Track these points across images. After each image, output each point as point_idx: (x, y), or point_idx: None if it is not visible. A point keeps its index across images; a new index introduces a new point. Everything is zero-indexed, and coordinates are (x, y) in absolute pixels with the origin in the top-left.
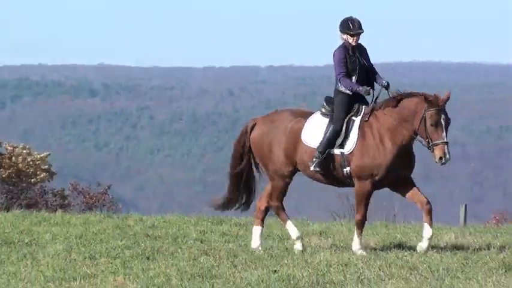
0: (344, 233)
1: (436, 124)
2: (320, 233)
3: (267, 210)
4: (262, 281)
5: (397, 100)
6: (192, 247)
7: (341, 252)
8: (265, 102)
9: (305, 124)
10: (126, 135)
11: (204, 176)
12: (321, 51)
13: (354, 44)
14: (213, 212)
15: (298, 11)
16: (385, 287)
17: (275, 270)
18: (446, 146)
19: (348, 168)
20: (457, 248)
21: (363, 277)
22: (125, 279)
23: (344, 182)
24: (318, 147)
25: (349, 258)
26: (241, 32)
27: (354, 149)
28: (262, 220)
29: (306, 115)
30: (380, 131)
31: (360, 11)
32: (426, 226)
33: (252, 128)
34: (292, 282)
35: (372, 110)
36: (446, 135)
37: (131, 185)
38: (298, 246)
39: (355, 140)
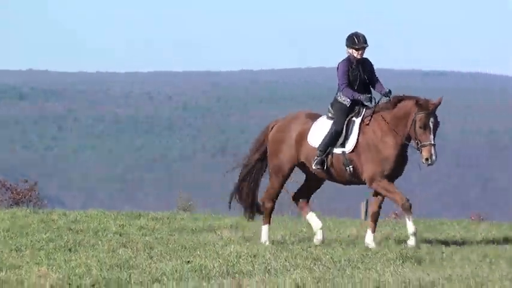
0: (253, 226)
1: (425, 127)
2: (231, 226)
3: (272, 208)
4: (176, 271)
5: (394, 103)
6: (111, 240)
7: (250, 244)
8: (182, 105)
9: (312, 126)
10: (53, 136)
11: (124, 173)
12: (238, 57)
13: (358, 57)
14: (132, 208)
15: (213, 16)
16: (290, 277)
17: (188, 261)
18: (433, 148)
19: (351, 167)
20: (358, 240)
21: (270, 267)
22: (48, 269)
23: (349, 180)
24: (318, 147)
25: (257, 250)
26: (159, 39)
27: (354, 149)
28: (270, 217)
29: (316, 117)
30: (378, 132)
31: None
32: (408, 223)
33: (273, 127)
34: (204, 272)
35: (373, 112)
36: (433, 138)
37: (57, 182)
38: (319, 236)
39: (355, 139)
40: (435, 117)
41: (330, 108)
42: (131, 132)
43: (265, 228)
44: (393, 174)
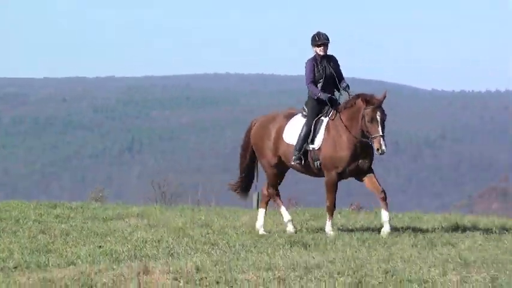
0: (157, 214)
1: (372, 120)
2: (137, 215)
3: (269, 195)
4: (89, 255)
5: (352, 102)
6: (31, 227)
7: (155, 231)
8: (92, 108)
9: (287, 124)
10: None
11: (42, 168)
12: (143, 62)
13: (321, 53)
14: (49, 198)
15: (125, 27)
16: (191, 260)
17: (100, 246)
18: (382, 139)
19: (318, 162)
20: (251, 227)
21: (173, 251)
22: None
23: (317, 173)
24: (295, 146)
25: (161, 236)
26: (72, 47)
27: (321, 145)
28: (267, 203)
29: (292, 116)
30: (339, 129)
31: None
32: (383, 211)
33: (254, 124)
34: (114, 255)
35: (336, 111)
36: (382, 130)
37: None
38: (289, 228)
39: (322, 137)
40: (382, 111)
41: (305, 107)
42: (48, 132)
43: (261, 212)
44: (351, 171)
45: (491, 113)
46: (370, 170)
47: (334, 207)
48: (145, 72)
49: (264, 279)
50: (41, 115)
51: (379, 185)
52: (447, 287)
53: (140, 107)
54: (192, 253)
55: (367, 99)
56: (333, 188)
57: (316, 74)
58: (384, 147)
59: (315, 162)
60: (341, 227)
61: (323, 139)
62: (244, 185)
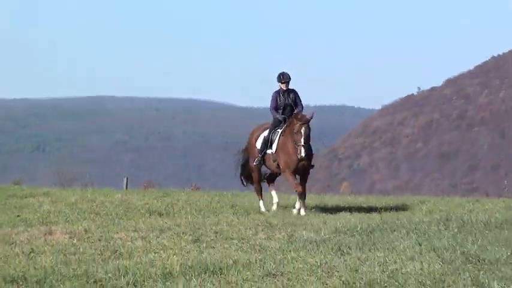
0: (57, 194)
1: (297, 132)
2: (44, 194)
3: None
4: (10, 221)
5: (292, 119)
6: None
7: (56, 205)
8: (14, 119)
9: (261, 134)
10: None
11: None
12: (47, 84)
13: (284, 88)
14: None
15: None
16: (81, 224)
17: (18, 215)
18: (302, 147)
19: (276, 162)
20: (122, 201)
21: (69, 219)
22: None
23: (277, 170)
24: (258, 150)
25: (60, 208)
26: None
27: (276, 150)
28: (260, 193)
29: (266, 128)
30: (287, 138)
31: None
32: (297, 203)
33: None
34: (27, 222)
35: (286, 126)
36: (304, 140)
37: None
38: (274, 207)
39: (276, 144)
40: (306, 126)
41: (271, 123)
42: None
43: (261, 202)
44: (298, 169)
45: None
46: (307, 174)
47: (302, 192)
48: (46, 94)
49: (131, 237)
50: None
51: (302, 184)
52: (258, 242)
53: (46, 119)
54: (82, 220)
55: (298, 117)
56: (291, 178)
57: (278, 103)
58: (302, 154)
59: (274, 162)
60: (187, 202)
61: (277, 146)
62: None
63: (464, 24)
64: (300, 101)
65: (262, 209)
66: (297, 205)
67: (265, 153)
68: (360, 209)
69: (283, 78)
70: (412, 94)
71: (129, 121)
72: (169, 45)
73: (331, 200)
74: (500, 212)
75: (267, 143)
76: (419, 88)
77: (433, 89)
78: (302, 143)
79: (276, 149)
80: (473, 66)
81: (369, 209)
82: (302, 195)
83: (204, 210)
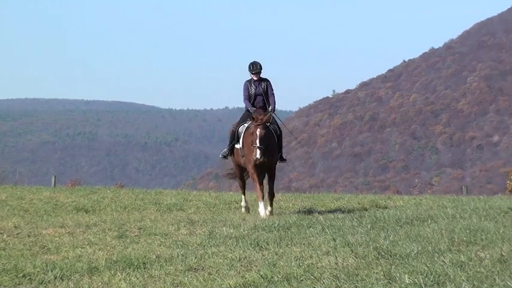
0: None
1: (253, 134)
2: None
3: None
4: None
5: (251, 117)
6: None
7: None
8: None
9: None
10: None
11: None
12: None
13: (255, 78)
14: None
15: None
16: (11, 220)
17: None
18: (257, 149)
19: (243, 158)
20: (50, 198)
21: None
22: None
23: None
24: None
25: None
26: None
27: (241, 145)
28: (243, 189)
29: None
30: (248, 138)
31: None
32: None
33: None
34: None
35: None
36: (259, 142)
37: None
38: (243, 210)
39: (242, 140)
40: (262, 127)
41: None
42: None
43: (243, 197)
44: (263, 166)
45: (208, 125)
46: (273, 170)
47: (262, 192)
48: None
49: (59, 233)
50: None
51: (269, 187)
52: (180, 238)
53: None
54: (12, 216)
55: (253, 117)
56: (253, 176)
57: (249, 92)
58: (257, 156)
59: (242, 158)
60: (114, 198)
61: (242, 141)
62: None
63: (378, 30)
64: (272, 91)
65: (243, 204)
66: (268, 207)
67: (233, 146)
68: (277, 206)
69: (253, 68)
70: (328, 97)
71: (56, 122)
72: (94, 49)
73: (250, 196)
74: (411, 208)
75: (235, 136)
76: (334, 91)
77: (347, 91)
78: (257, 145)
79: (242, 144)
80: (386, 70)
81: (286, 206)
82: (270, 195)
83: (128, 207)
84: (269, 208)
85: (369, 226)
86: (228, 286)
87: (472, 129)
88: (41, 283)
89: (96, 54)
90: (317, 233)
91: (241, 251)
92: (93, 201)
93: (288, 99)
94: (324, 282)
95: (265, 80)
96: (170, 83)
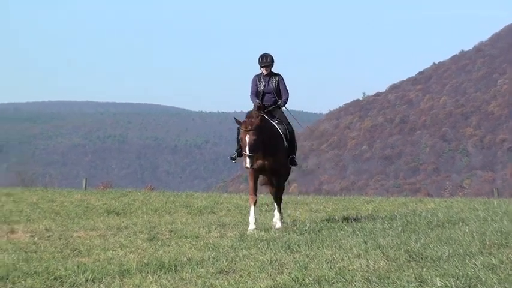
0: (19, 194)
1: (241, 140)
2: (6, 194)
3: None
4: None
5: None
6: None
7: (18, 205)
8: None
9: None
10: None
11: None
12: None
13: (265, 73)
14: None
15: None
16: (42, 223)
17: None
18: (246, 158)
19: None
20: (81, 201)
21: (30, 218)
22: None
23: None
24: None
25: (22, 208)
26: None
27: None
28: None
29: None
30: None
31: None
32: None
33: None
34: None
35: None
36: (248, 150)
37: None
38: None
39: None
40: (251, 133)
41: None
42: None
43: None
44: (260, 169)
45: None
46: (276, 173)
47: (254, 194)
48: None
49: (90, 236)
50: None
51: (274, 192)
52: (211, 240)
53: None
54: (43, 219)
55: (239, 122)
56: (249, 178)
57: (258, 88)
58: (247, 165)
59: None
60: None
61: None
62: None
63: (408, 33)
64: (285, 87)
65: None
66: (275, 216)
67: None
68: (308, 209)
69: (263, 61)
70: (358, 99)
71: (87, 125)
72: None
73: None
74: (442, 211)
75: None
76: (364, 93)
77: (377, 94)
78: (247, 153)
79: None
80: (416, 72)
81: (317, 209)
82: (277, 201)
83: (159, 210)
84: (277, 215)
85: (400, 229)
86: None
87: (503, 131)
88: (72, 286)
89: (126, 57)
90: (348, 236)
91: (273, 254)
92: (124, 204)
93: (318, 102)
94: (355, 285)
95: (277, 75)
96: (201, 85)
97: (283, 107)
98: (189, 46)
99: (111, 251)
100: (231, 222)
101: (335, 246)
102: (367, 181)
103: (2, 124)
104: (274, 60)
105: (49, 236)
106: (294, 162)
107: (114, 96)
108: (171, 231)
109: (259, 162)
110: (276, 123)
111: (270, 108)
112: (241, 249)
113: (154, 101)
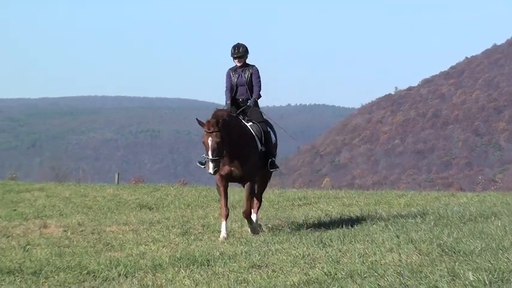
0: (52, 188)
1: (204, 143)
2: (39, 189)
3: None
4: (7, 215)
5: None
6: None
7: (51, 199)
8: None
9: None
10: None
11: None
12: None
13: (238, 64)
14: None
15: None
16: (75, 218)
17: (14, 209)
18: (209, 162)
19: None
20: (113, 196)
21: (63, 213)
22: None
23: None
24: None
25: (55, 203)
26: None
27: None
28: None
29: None
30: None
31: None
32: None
33: None
34: (23, 216)
35: None
36: (212, 154)
37: None
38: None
39: None
40: (214, 136)
41: None
42: None
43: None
44: (227, 175)
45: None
46: (247, 180)
47: (226, 207)
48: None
49: (123, 231)
50: None
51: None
52: (244, 235)
53: (38, 118)
54: (75, 214)
55: (201, 123)
56: (218, 190)
57: (232, 82)
58: (210, 170)
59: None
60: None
61: None
62: None
63: (440, 27)
64: (258, 79)
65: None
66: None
67: None
68: (340, 203)
69: (235, 52)
70: (390, 94)
71: (119, 119)
72: (157, 47)
73: (313, 194)
74: (474, 205)
75: None
76: (396, 88)
77: (409, 88)
78: (210, 157)
79: None
80: (448, 67)
81: (349, 203)
82: (248, 214)
83: (192, 204)
84: (253, 215)
85: (432, 223)
86: (292, 283)
87: None
88: (105, 280)
89: (159, 51)
90: (380, 230)
91: (305, 248)
92: (157, 199)
93: (350, 97)
94: (387, 279)
95: (252, 67)
96: None
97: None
98: (221, 39)
99: (143, 246)
100: (263, 216)
101: (367, 241)
102: (399, 175)
103: (35, 119)
104: (249, 51)
105: (82, 231)
106: (273, 166)
107: (147, 90)
108: (204, 226)
109: (227, 168)
110: (249, 124)
111: (241, 109)
112: (274, 243)
113: (187, 96)
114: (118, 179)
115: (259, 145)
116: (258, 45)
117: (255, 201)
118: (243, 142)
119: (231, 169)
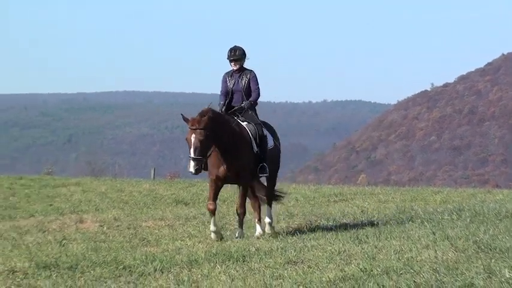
0: (88, 183)
1: (187, 140)
2: (75, 184)
3: None
4: (43, 210)
5: None
6: (5, 192)
7: (86, 194)
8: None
9: None
10: None
11: (10, 154)
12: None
13: (234, 68)
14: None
15: None
16: (111, 213)
17: (50, 204)
18: (190, 161)
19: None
20: (149, 191)
21: (99, 208)
22: None
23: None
24: None
25: (91, 197)
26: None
27: None
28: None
29: None
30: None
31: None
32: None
33: None
34: (59, 211)
35: None
36: (194, 152)
37: None
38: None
39: None
40: (198, 133)
41: None
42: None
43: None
44: (218, 178)
45: (306, 118)
46: (241, 181)
47: (213, 201)
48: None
49: (158, 226)
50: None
51: (240, 200)
52: (280, 230)
53: (74, 113)
54: (111, 209)
55: (186, 120)
56: (209, 185)
57: (227, 88)
58: (190, 169)
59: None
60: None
61: None
62: None
63: (476, 23)
64: (256, 87)
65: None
66: (257, 229)
67: None
68: (376, 199)
69: (231, 55)
70: (426, 90)
71: (155, 115)
72: (195, 42)
73: (349, 190)
74: (510, 202)
75: None
76: (432, 84)
77: (446, 85)
78: (191, 155)
79: None
80: (484, 63)
81: (385, 199)
82: (242, 212)
83: (227, 200)
84: (258, 228)
85: (468, 220)
86: (328, 279)
87: None
88: (141, 275)
89: (196, 48)
90: (416, 227)
91: (341, 244)
92: (192, 194)
93: (386, 93)
94: (423, 276)
95: (250, 71)
96: (269, 76)
97: (251, 108)
98: (258, 35)
99: (179, 241)
100: (299, 212)
101: (403, 237)
102: (435, 172)
103: (71, 114)
104: (246, 54)
105: (118, 226)
106: (264, 171)
107: (183, 86)
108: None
109: (221, 169)
110: (245, 124)
111: (234, 110)
112: (310, 239)
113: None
114: (154, 174)
115: (255, 147)
116: (293, 41)
117: (259, 204)
118: (237, 141)
119: (225, 170)
